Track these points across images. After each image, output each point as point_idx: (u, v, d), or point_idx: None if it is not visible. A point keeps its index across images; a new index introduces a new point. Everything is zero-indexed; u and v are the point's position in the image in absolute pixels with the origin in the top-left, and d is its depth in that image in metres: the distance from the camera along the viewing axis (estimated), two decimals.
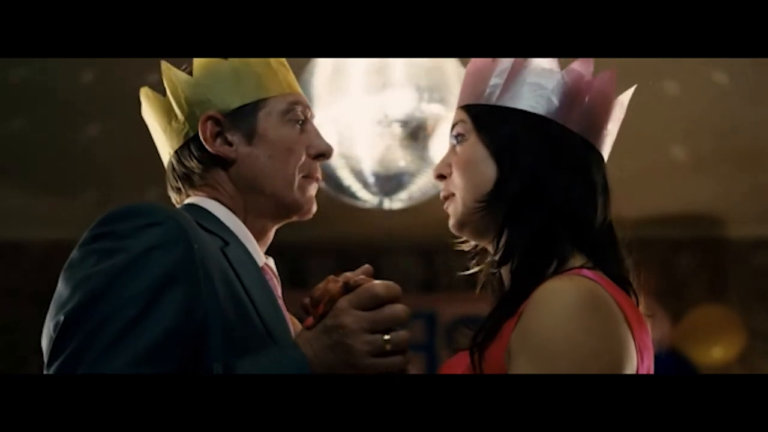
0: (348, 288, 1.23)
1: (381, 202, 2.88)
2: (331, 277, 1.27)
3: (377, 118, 2.64)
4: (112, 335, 1.15)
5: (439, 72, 2.65)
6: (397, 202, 2.90)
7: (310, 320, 1.25)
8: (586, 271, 1.30)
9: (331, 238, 4.87)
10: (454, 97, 2.70)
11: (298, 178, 1.43)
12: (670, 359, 4.47)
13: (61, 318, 1.18)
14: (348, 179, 2.81)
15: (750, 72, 3.40)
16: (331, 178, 2.80)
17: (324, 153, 1.47)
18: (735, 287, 4.98)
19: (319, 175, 1.47)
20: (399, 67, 2.61)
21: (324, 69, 2.66)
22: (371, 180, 2.77)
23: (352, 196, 2.88)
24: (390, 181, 2.77)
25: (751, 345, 4.71)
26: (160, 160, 1.50)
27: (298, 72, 2.76)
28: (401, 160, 2.71)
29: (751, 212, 4.71)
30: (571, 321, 1.23)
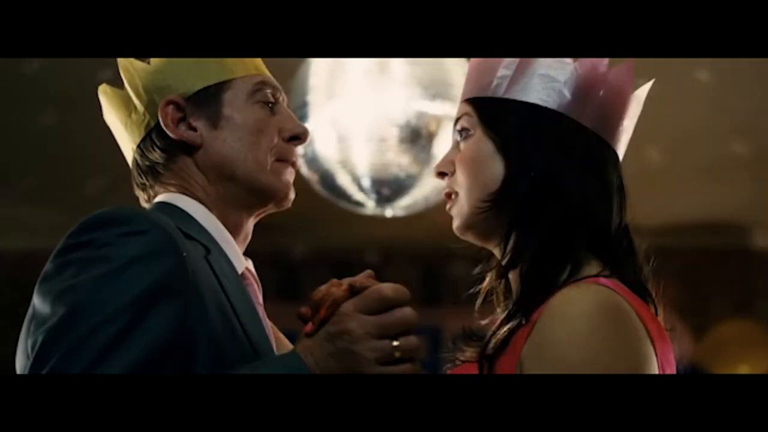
0: (353, 291, 1.21)
1: (381, 209, 2.90)
2: (334, 280, 1.24)
3: (377, 121, 2.66)
4: (96, 353, 1.13)
5: (441, 70, 2.67)
6: (398, 209, 2.92)
7: (309, 326, 1.21)
8: (603, 279, 1.30)
9: (327, 247, 4.89)
10: (458, 97, 2.73)
11: (270, 161, 1.43)
12: None
13: (40, 337, 1.16)
14: (346, 184, 2.83)
15: None
16: (329, 183, 2.83)
17: (298, 136, 1.47)
18: (762, 300, 5.00)
19: (295, 159, 1.47)
20: (399, 66, 2.62)
21: (320, 69, 2.69)
22: (371, 186, 2.79)
23: (351, 201, 2.90)
24: (391, 187, 2.79)
25: None
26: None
27: (294, 73, 2.80)
28: (402, 164, 2.73)
29: None
30: (588, 332, 1.23)
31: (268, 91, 1.46)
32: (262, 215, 1.48)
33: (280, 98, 1.48)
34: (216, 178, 1.42)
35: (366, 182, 2.80)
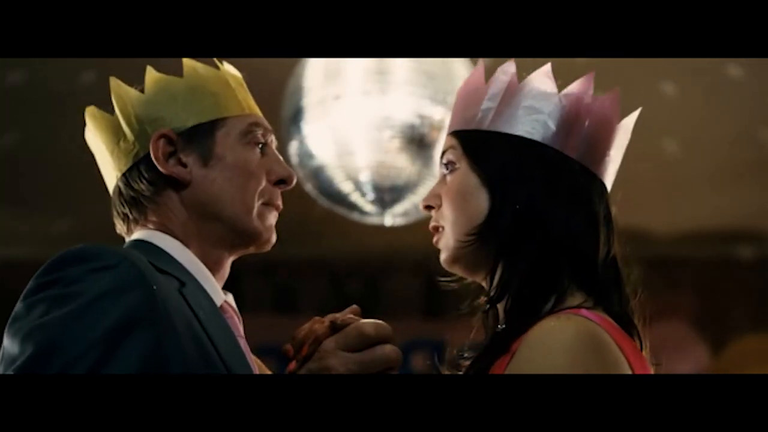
0: (335, 328, 1.27)
1: (382, 216, 2.92)
2: (317, 318, 1.30)
3: (377, 125, 2.67)
4: None
5: (446, 71, 2.69)
6: (399, 217, 2.94)
7: (293, 365, 1.28)
8: (585, 311, 1.35)
9: (324, 256, 4.90)
10: None
11: (257, 204, 1.47)
12: None
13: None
14: (345, 189, 2.85)
15: None
16: (328, 190, 2.85)
17: (285, 179, 1.51)
18: None
19: (279, 203, 1.52)
20: (400, 68, 2.64)
21: (318, 71, 2.70)
22: (371, 192, 2.81)
23: (351, 207, 2.91)
24: (391, 194, 2.81)
25: None
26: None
27: (289, 74, 2.82)
28: (402, 168, 2.74)
29: None
30: (567, 364, 1.27)
31: (260, 132, 1.50)
32: (241, 255, 1.52)
33: (270, 140, 1.53)
34: (199, 216, 1.46)
35: (364, 186, 2.82)
